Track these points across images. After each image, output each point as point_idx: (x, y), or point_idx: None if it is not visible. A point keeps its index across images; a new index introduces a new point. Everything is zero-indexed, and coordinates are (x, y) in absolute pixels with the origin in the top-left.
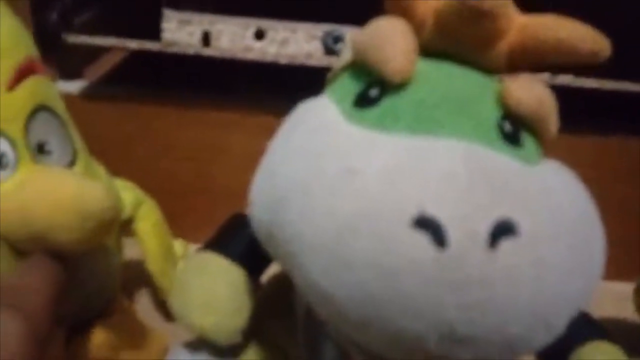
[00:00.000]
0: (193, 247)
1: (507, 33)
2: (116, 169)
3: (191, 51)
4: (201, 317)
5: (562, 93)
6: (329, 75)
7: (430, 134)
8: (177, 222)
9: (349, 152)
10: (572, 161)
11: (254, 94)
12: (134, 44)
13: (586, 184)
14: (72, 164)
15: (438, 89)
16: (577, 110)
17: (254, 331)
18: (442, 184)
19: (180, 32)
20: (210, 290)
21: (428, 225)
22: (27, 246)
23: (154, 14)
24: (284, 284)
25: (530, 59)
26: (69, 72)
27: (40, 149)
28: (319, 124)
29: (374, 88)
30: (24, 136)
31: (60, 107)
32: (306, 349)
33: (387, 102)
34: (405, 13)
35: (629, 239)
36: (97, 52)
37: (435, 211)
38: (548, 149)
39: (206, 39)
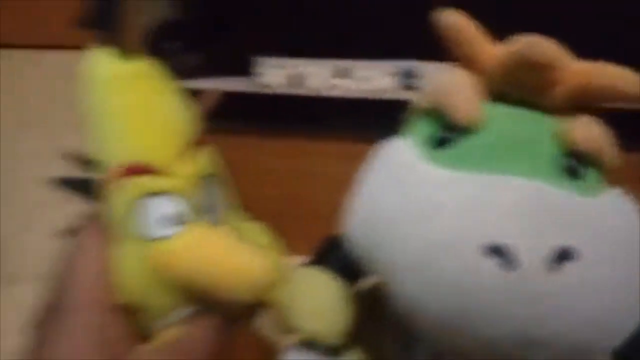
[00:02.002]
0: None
1: (564, 79)
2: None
3: (282, 91)
4: (311, 323)
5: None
6: (408, 116)
7: (498, 172)
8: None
9: (429, 189)
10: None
11: (338, 126)
12: (234, 86)
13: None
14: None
15: (505, 132)
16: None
17: (352, 335)
18: (509, 217)
19: (273, 75)
20: (317, 300)
21: (499, 252)
22: (193, 295)
23: (249, 59)
24: (379, 292)
25: (585, 101)
26: None
27: (209, 209)
28: (402, 162)
29: (447, 132)
30: (194, 199)
31: (221, 170)
32: (399, 352)
33: (459, 144)
34: (471, 62)
35: None
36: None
37: (505, 240)
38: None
39: (296, 80)
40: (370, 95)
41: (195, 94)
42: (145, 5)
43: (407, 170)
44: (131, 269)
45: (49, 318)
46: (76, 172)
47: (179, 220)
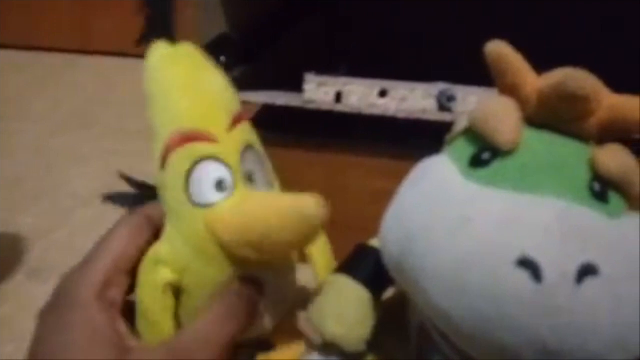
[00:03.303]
0: None
1: (598, 111)
2: None
3: (326, 107)
4: (334, 327)
5: None
6: (448, 137)
7: (531, 192)
8: None
9: (465, 203)
10: None
11: (376, 142)
12: (281, 101)
13: None
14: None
15: (539, 155)
16: None
17: (373, 343)
18: (540, 234)
19: (318, 92)
20: (342, 305)
21: (528, 266)
22: (245, 253)
23: (296, 75)
24: (400, 303)
25: (617, 133)
26: None
27: (249, 178)
28: (440, 178)
29: (486, 152)
30: (239, 166)
31: (260, 146)
32: None
33: (497, 165)
34: (514, 91)
35: None
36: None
37: (534, 254)
38: None
39: (339, 97)
40: (409, 116)
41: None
42: (198, 21)
43: (444, 185)
44: (185, 240)
45: (53, 311)
46: (125, 187)
47: (229, 185)
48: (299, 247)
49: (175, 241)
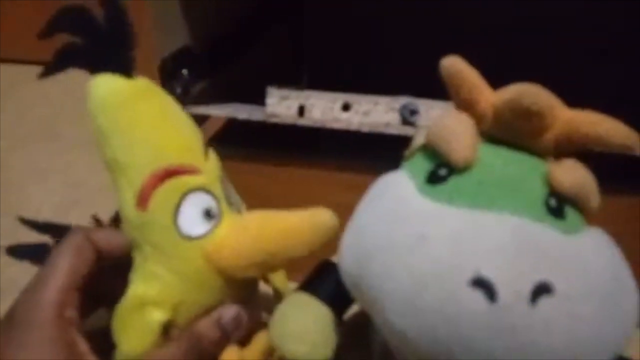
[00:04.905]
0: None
1: (554, 126)
2: None
3: (289, 121)
4: (295, 346)
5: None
6: (407, 152)
7: (487, 208)
8: None
9: (421, 221)
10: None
11: (340, 156)
12: (243, 115)
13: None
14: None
15: (495, 171)
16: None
17: None
18: (494, 252)
19: (281, 105)
20: (304, 324)
21: (482, 285)
22: (249, 274)
23: (258, 89)
24: (363, 321)
25: (573, 147)
26: None
27: (229, 202)
28: (397, 194)
29: (442, 168)
30: (222, 193)
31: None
32: None
33: (453, 181)
34: (469, 106)
35: None
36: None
37: (488, 274)
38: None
39: (302, 111)
40: (372, 130)
41: (203, 120)
42: (157, 33)
43: (401, 202)
44: (180, 275)
45: (9, 331)
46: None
47: (217, 213)
48: (309, 254)
49: (166, 279)
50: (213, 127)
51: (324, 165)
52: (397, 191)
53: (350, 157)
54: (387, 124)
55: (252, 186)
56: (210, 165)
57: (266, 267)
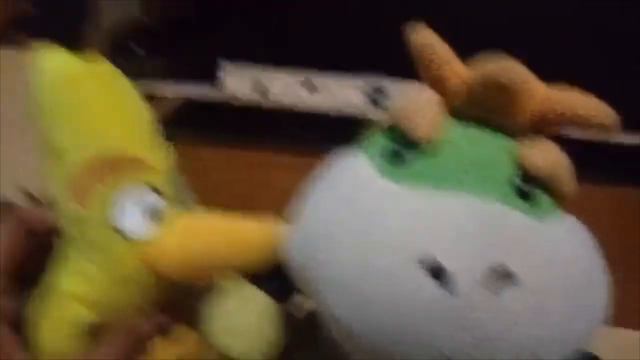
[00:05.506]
0: None
1: (529, 103)
2: None
3: (244, 99)
4: (229, 340)
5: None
6: (367, 132)
7: (450, 190)
8: None
9: (375, 203)
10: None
11: (301, 139)
12: (192, 92)
13: (608, 232)
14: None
15: (462, 151)
16: (602, 162)
17: (285, 358)
18: (451, 235)
19: (237, 83)
20: (240, 316)
21: (434, 270)
22: (187, 280)
23: (211, 64)
24: (317, 318)
25: (549, 126)
26: None
27: (177, 199)
28: (353, 177)
29: (405, 148)
30: (170, 190)
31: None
32: None
33: (416, 162)
34: (440, 83)
35: None
36: (153, 98)
37: (443, 258)
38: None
39: (261, 90)
40: (336, 110)
41: (155, 99)
42: (111, 6)
43: (355, 185)
44: (113, 277)
45: None
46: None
47: (163, 212)
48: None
49: (98, 278)
50: (167, 108)
51: (285, 148)
52: (353, 173)
53: (312, 140)
54: (353, 105)
55: (208, 171)
56: (159, 159)
57: (211, 276)
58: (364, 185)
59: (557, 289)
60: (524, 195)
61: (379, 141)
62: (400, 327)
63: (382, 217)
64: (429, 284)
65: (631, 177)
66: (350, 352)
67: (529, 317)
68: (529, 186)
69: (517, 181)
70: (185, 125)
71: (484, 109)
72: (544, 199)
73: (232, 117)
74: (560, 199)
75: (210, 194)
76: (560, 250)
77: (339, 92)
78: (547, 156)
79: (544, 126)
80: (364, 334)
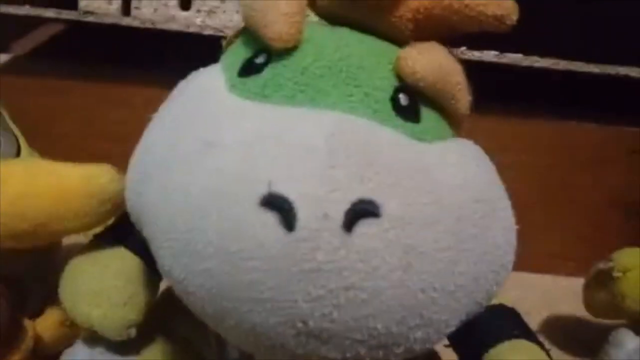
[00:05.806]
0: None
1: (412, 1)
2: (37, 147)
3: (109, 21)
4: (88, 308)
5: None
6: (225, 42)
7: (310, 104)
8: None
9: (213, 125)
10: (529, 147)
11: (178, 69)
12: (50, 13)
13: (543, 171)
14: (18, 154)
15: (326, 57)
16: (534, 94)
17: (161, 327)
18: (298, 159)
19: (99, 0)
20: (100, 279)
21: (277, 205)
22: (23, 241)
23: None
24: None
25: (436, 25)
26: None
27: None
28: (198, 94)
29: (260, 55)
30: None
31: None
32: (216, 346)
33: (271, 70)
34: None
35: (588, 231)
36: (26, 27)
37: (286, 189)
38: (503, 135)
39: (126, 7)
40: (218, 33)
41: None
42: None
43: (199, 103)
44: None
45: None
46: None
47: None
48: (97, 226)
49: None
50: (39, 37)
51: (159, 81)
52: (198, 90)
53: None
54: (238, 26)
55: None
56: None
57: (32, 239)
58: (206, 104)
59: (435, 222)
60: (404, 111)
61: (234, 50)
62: (238, 281)
63: (217, 142)
64: (269, 223)
65: (571, 110)
66: (195, 313)
67: (397, 260)
68: (411, 101)
69: (396, 94)
70: (58, 56)
71: (356, 7)
72: (432, 117)
73: (106, 45)
74: (454, 121)
75: (84, 131)
76: (445, 177)
77: (221, 12)
78: (429, 59)
79: (430, 24)
80: (198, 292)
